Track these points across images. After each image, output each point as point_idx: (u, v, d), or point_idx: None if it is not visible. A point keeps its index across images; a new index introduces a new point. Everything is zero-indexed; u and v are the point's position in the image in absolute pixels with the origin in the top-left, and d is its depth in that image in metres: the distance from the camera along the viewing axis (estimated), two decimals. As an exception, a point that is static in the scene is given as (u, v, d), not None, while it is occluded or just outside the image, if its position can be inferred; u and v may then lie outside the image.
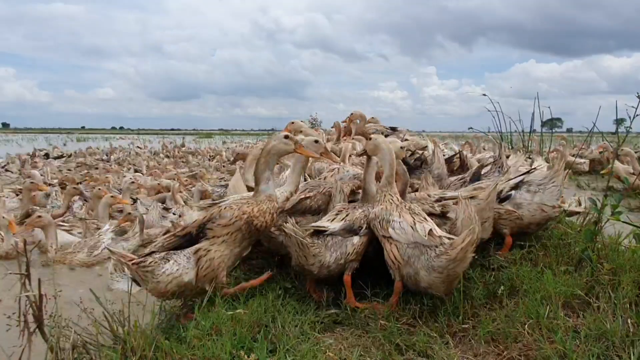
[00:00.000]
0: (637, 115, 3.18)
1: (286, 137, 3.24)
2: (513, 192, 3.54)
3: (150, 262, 2.95)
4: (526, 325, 2.63)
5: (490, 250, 3.66)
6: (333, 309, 3.14)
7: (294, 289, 3.44)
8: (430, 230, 2.90)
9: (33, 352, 2.25)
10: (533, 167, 3.81)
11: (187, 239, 3.04)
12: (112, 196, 6.67)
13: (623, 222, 3.21)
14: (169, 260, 2.97)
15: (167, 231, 3.22)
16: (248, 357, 2.38)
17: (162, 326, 2.88)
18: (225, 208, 3.05)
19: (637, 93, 3.04)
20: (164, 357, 2.38)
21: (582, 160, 12.70)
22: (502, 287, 3.07)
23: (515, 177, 3.71)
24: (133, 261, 2.98)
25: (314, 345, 2.58)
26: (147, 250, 3.11)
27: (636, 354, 2.28)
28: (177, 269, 2.95)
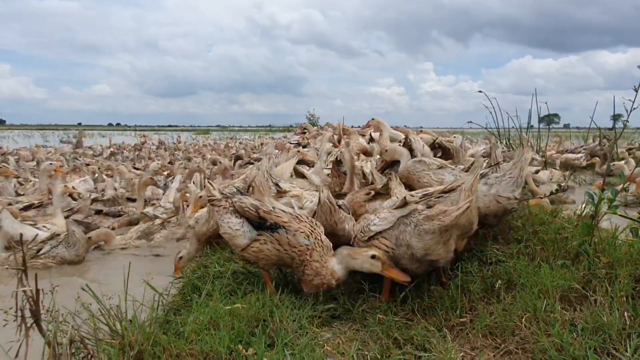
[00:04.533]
0: (635, 108, 3.18)
1: None
2: None
3: (221, 206, 3.28)
4: (523, 319, 2.64)
5: (488, 245, 3.67)
6: (331, 303, 3.14)
7: (292, 284, 3.44)
8: (404, 198, 3.02)
9: (30, 347, 2.24)
10: (498, 162, 3.79)
11: (262, 223, 3.15)
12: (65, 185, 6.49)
13: (620, 215, 3.22)
14: (239, 218, 3.20)
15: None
16: (246, 351, 2.39)
17: (160, 321, 2.88)
18: (299, 233, 3.09)
19: (634, 86, 3.04)
20: (162, 352, 2.38)
21: (579, 156, 12.75)
22: (499, 281, 3.08)
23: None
24: (210, 197, 3.41)
25: (312, 340, 2.59)
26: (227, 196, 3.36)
27: (633, 347, 2.30)
28: (238, 229, 3.18)
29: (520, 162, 3.56)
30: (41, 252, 5.16)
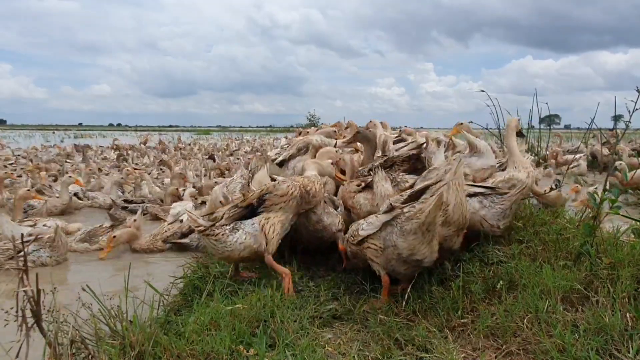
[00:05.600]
0: (637, 109, 3.17)
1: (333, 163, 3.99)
2: (468, 198, 3.54)
3: (219, 233, 3.28)
4: (525, 320, 2.63)
5: (489, 245, 3.66)
6: (332, 303, 3.14)
7: (293, 283, 3.44)
8: (390, 204, 3.10)
9: (31, 348, 2.23)
10: (493, 185, 3.82)
11: (250, 209, 3.38)
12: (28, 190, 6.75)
13: (622, 215, 3.21)
14: (238, 230, 3.32)
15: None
16: (247, 352, 2.38)
17: (161, 321, 2.88)
18: (279, 182, 3.50)
19: (637, 87, 3.03)
20: (162, 352, 2.38)
21: (579, 156, 12.72)
22: (501, 282, 3.07)
23: (476, 186, 3.72)
24: (200, 228, 3.29)
25: (313, 340, 2.58)
26: (215, 221, 3.37)
27: (635, 348, 2.29)
28: (246, 238, 3.29)
29: (515, 196, 3.60)
30: (21, 253, 5.12)
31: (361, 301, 3.12)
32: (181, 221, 5.94)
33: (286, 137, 17.06)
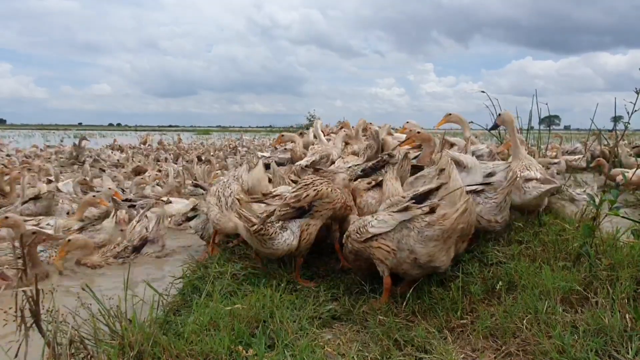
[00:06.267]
0: (636, 110, 3.17)
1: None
2: None
3: (272, 233, 3.35)
4: (524, 321, 2.63)
5: (489, 246, 3.66)
6: (331, 304, 3.14)
7: (292, 284, 3.44)
8: (406, 204, 3.05)
9: (30, 347, 2.23)
10: (489, 180, 3.85)
11: (301, 211, 3.45)
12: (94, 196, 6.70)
13: (622, 216, 3.21)
14: (286, 230, 3.41)
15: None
16: (246, 352, 2.38)
17: (160, 321, 2.87)
18: (332, 190, 3.53)
19: (636, 88, 3.03)
20: (161, 352, 2.37)
21: (579, 157, 12.73)
22: (500, 283, 3.07)
23: (470, 185, 3.72)
24: (254, 227, 3.29)
25: (312, 341, 2.58)
26: (267, 218, 3.39)
27: (634, 349, 2.29)
28: (292, 238, 3.40)
29: (507, 188, 3.59)
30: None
31: (360, 302, 3.12)
32: (147, 228, 5.80)
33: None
